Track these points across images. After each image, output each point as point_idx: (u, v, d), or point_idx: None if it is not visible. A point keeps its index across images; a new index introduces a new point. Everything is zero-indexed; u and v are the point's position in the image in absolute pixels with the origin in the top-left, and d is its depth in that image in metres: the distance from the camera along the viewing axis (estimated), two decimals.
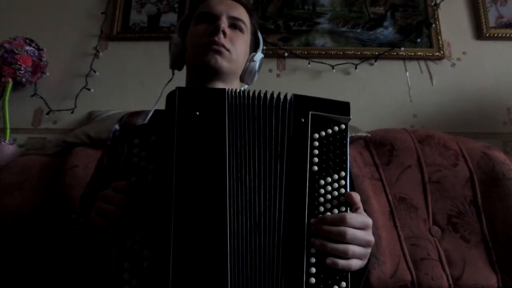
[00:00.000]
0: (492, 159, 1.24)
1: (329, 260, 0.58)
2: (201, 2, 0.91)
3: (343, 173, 0.62)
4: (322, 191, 0.61)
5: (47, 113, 1.73)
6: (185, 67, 0.96)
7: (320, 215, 0.60)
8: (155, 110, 0.87)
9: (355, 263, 0.60)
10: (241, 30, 0.89)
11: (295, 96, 0.64)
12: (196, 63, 0.87)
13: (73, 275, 0.83)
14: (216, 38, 0.83)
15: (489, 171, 1.22)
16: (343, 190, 0.62)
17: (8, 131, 1.62)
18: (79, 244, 0.75)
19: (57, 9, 1.92)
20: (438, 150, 1.29)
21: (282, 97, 0.64)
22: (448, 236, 1.15)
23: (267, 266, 0.58)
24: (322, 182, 0.61)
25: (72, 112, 1.73)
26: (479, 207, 1.18)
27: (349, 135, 0.64)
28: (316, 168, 0.61)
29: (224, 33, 0.84)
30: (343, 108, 0.64)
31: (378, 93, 1.75)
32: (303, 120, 0.62)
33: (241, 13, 0.90)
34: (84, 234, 0.73)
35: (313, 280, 0.57)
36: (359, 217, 0.61)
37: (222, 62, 0.84)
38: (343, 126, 0.64)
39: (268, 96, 0.64)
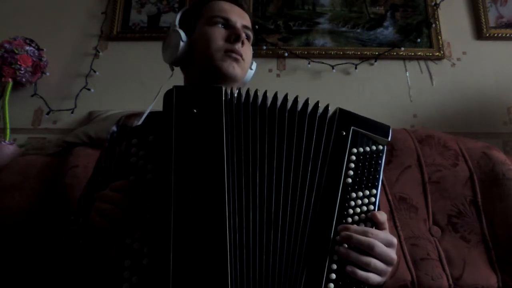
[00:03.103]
0: (492, 159, 1.24)
1: (349, 268, 0.58)
2: (208, 2, 0.92)
3: (374, 191, 0.64)
4: (353, 203, 0.62)
5: (47, 113, 1.73)
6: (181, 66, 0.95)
7: (345, 224, 0.61)
8: (151, 112, 0.87)
9: (374, 278, 0.60)
10: (249, 39, 0.91)
11: (340, 109, 0.67)
12: (208, 66, 0.86)
13: (73, 275, 0.83)
14: (236, 47, 0.86)
15: (489, 171, 1.22)
16: (372, 207, 0.63)
17: (8, 131, 1.62)
18: (79, 245, 0.75)
19: (57, 9, 1.92)
20: (438, 150, 1.29)
21: (321, 107, 0.67)
22: (448, 236, 1.15)
23: (280, 263, 0.59)
24: (354, 195, 0.63)
25: (72, 112, 1.73)
26: (479, 207, 1.18)
27: (385, 157, 0.66)
28: (350, 180, 0.63)
29: (243, 43, 0.87)
30: (383, 130, 0.67)
31: (378, 93, 1.75)
32: (344, 133, 0.65)
33: (249, 22, 0.93)
34: (84, 235, 0.73)
35: (331, 285, 0.58)
36: (383, 234, 0.62)
37: (238, 70, 0.87)
38: (381, 147, 0.66)
39: (300, 103, 0.67)
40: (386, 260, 0.61)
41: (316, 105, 0.67)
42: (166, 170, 0.57)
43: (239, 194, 0.60)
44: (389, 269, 0.63)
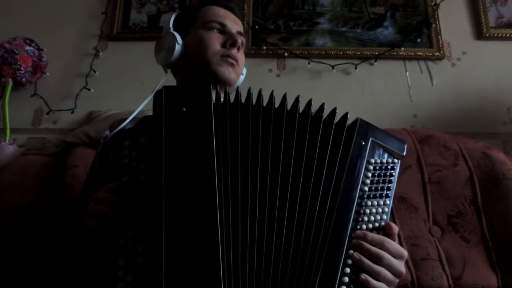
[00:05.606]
0: (492, 159, 1.24)
1: (363, 276, 0.60)
2: (202, 6, 0.93)
3: (387, 201, 0.66)
4: (367, 211, 0.64)
5: (47, 113, 1.73)
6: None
7: (361, 230, 0.63)
8: (144, 116, 0.87)
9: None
10: (242, 45, 0.92)
11: (361, 120, 0.69)
12: (204, 70, 0.87)
13: (69, 276, 0.83)
14: (233, 52, 0.88)
15: (489, 171, 1.22)
16: (385, 217, 0.66)
17: (8, 131, 1.62)
18: (73, 247, 0.75)
19: (57, 9, 1.93)
20: (438, 150, 1.29)
21: (339, 114, 0.69)
22: (448, 236, 1.15)
23: (285, 262, 0.59)
24: (369, 203, 0.65)
25: (72, 112, 1.73)
26: (479, 207, 1.18)
27: (398, 170, 0.69)
28: (366, 188, 0.65)
29: (239, 48, 0.89)
30: (399, 145, 0.70)
31: (378, 93, 1.75)
32: (363, 143, 0.67)
33: (242, 28, 0.95)
34: (78, 237, 0.73)
35: None
36: (397, 246, 0.64)
37: (233, 75, 0.88)
38: (396, 160, 0.69)
39: (315, 108, 0.68)
40: (394, 273, 0.62)
41: (333, 111, 0.68)
42: (157, 170, 0.58)
43: (233, 190, 0.60)
44: (397, 280, 0.64)
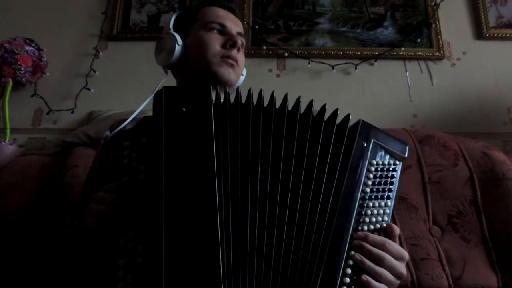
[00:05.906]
0: (492, 159, 1.24)
1: (364, 277, 0.60)
2: (203, 7, 0.94)
3: (389, 202, 0.67)
4: (369, 212, 0.64)
5: (47, 113, 1.74)
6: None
7: (362, 231, 0.63)
8: (145, 117, 0.87)
9: None
10: (242, 45, 0.92)
11: (362, 121, 0.69)
12: (204, 70, 0.88)
13: (69, 276, 0.83)
14: (233, 53, 0.88)
15: (489, 171, 1.22)
16: (386, 218, 0.66)
17: (8, 131, 1.62)
18: (73, 247, 0.75)
19: (57, 9, 1.93)
20: (438, 150, 1.29)
21: (340, 116, 0.69)
22: (448, 236, 1.15)
23: (285, 261, 0.59)
24: (371, 204, 0.65)
25: (72, 112, 1.74)
26: (479, 207, 1.18)
27: (400, 172, 0.69)
28: (368, 190, 0.65)
29: (239, 49, 0.89)
30: (401, 146, 0.70)
31: (378, 93, 1.75)
32: (365, 144, 0.67)
33: (242, 29, 0.95)
34: (78, 237, 0.73)
35: None
36: (398, 247, 0.64)
37: (233, 76, 0.89)
38: (397, 162, 0.69)
39: (317, 108, 0.68)
40: (395, 274, 0.62)
41: (335, 113, 0.68)
42: (157, 170, 0.58)
43: (233, 191, 0.60)
44: (398, 282, 0.64)
